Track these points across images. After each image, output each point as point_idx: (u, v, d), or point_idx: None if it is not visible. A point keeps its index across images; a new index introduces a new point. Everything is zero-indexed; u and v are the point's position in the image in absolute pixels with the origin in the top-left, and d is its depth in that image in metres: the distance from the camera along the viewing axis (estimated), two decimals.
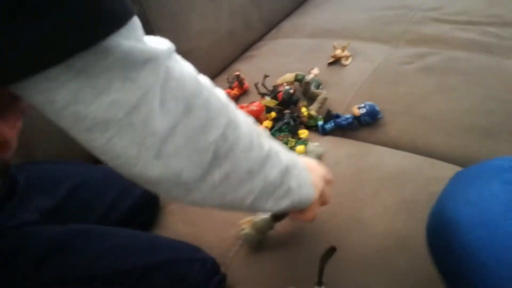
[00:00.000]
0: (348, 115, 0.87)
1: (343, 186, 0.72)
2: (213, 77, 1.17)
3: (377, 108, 0.85)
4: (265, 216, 0.64)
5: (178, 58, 0.38)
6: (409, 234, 0.62)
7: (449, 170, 0.73)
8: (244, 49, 1.29)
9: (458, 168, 0.74)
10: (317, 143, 0.80)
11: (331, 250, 0.54)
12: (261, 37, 1.35)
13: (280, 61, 1.15)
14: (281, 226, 0.67)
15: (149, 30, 1.02)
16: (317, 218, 0.67)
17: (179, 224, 0.73)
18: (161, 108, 0.33)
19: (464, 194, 0.44)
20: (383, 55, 1.08)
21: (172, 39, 1.14)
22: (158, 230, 0.73)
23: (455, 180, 0.48)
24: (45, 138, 0.79)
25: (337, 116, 0.87)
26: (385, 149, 0.81)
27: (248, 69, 1.14)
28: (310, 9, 1.47)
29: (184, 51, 1.11)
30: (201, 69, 1.19)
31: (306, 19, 1.39)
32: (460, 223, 0.42)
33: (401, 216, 0.65)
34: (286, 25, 1.39)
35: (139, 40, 0.32)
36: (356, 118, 0.85)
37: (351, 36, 1.18)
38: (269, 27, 1.38)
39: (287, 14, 1.46)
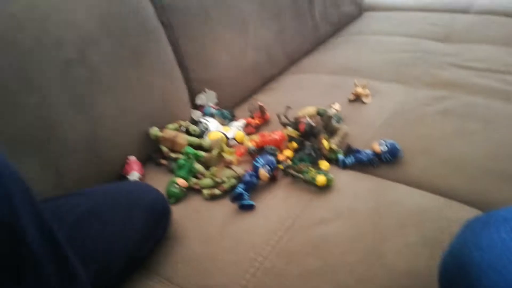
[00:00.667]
0: (368, 151, 0.88)
1: (363, 218, 0.73)
2: (236, 105, 1.20)
3: (398, 147, 0.87)
4: None
5: None
6: (431, 274, 0.62)
7: (468, 213, 0.74)
8: (266, 81, 1.33)
9: (477, 212, 0.75)
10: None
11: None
12: (283, 71, 1.39)
13: (301, 95, 1.18)
14: (299, 254, 0.67)
15: (180, 57, 1.06)
16: (336, 249, 0.68)
17: (196, 242, 0.74)
18: None
19: (476, 240, 0.45)
20: (403, 96, 1.11)
21: (200, 68, 1.19)
22: (174, 249, 0.73)
23: (467, 226, 0.50)
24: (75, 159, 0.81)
25: (358, 151, 0.89)
26: (404, 187, 0.82)
27: (270, 100, 1.17)
28: (331, 48, 1.52)
29: (210, 80, 1.16)
30: (225, 97, 1.24)
31: (326, 56, 1.44)
32: (472, 268, 0.43)
33: (423, 255, 0.65)
34: (307, 61, 1.44)
35: None
36: (376, 154, 0.87)
37: (371, 76, 1.21)
38: (291, 62, 1.43)
39: (308, 51, 1.51)
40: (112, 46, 0.89)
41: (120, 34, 0.90)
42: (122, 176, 0.91)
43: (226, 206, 0.79)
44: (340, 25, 1.67)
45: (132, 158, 0.93)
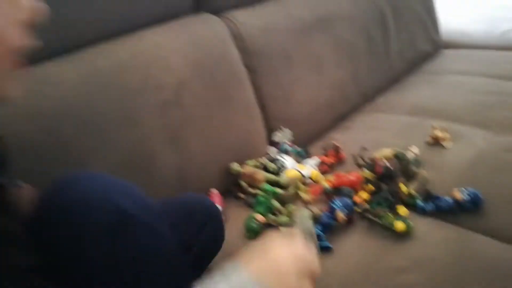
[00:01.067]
0: (448, 198, 0.87)
1: (442, 269, 0.72)
2: (309, 142, 1.24)
3: (480, 196, 0.85)
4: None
5: None
6: None
7: None
8: (340, 119, 1.35)
9: None
10: (306, 212, 0.77)
11: None
12: (357, 109, 1.41)
13: (376, 135, 1.19)
14: None
15: (260, 98, 1.13)
16: None
17: None
18: None
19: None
20: (485, 141, 1.07)
21: (278, 107, 1.25)
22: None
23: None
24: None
25: (437, 198, 0.88)
26: (487, 239, 0.80)
27: (344, 139, 1.19)
28: (406, 87, 1.51)
29: (286, 118, 1.21)
30: (300, 134, 1.28)
31: (402, 96, 1.43)
32: None
33: None
34: (382, 99, 1.44)
35: None
36: (457, 202, 0.86)
37: (450, 118, 1.19)
38: (365, 100, 1.44)
39: (383, 89, 1.51)
40: (203, 88, 0.97)
41: (209, 78, 0.99)
42: None
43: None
44: (416, 63, 1.66)
45: (214, 191, 1.00)
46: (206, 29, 1.05)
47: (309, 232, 0.66)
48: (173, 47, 0.95)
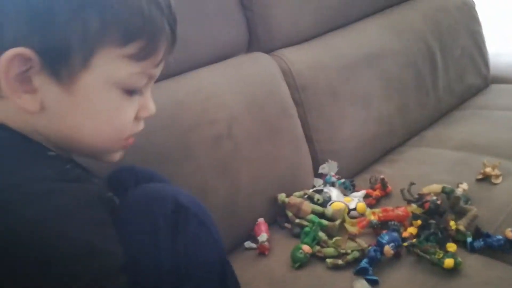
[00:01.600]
0: (499, 236, 0.86)
1: None
2: (355, 175, 1.25)
3: None
4: None
5: None
6: None
7: None
8: (385, 152, 1.36)
9: None
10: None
11: None
12: (403, 143, 1.41)
13: (423, 170, 1.18)
14: None
15: (307, 131, 1.17)
16: None
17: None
18: None
19: None
20: None
21: (325, 140, 1.29)
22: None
23: None
24: None
25: (488, 236, 0.87)
26: None
27: (390, 173, 1.20)
28: (454, 121, 1.49)
29: (333, 151, 1.24)
30: (346, 166, 1.29)
31: (451, 130, 1.42)
32: None
33: None
34: (430, 134, 1.44)
35: None
36: (509, 241, 0.84)
37: (501, 154, 1.17)
38: (411, 134, 1.44)
39: (430, 123, 1.51)
40: (253, 123, 1.03)
41: (259, 112, 1.05)
42: (250, 236, 1.02)
43: (348, 277, 0.83)
44: (465, 98, 1.64)
45: (261, 220, 1.04)
46: (258, 66, 1.11)
47: None
48: (227, 84, 1.02)
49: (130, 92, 0.53)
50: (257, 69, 1.11)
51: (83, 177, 0.53)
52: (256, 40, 1.17)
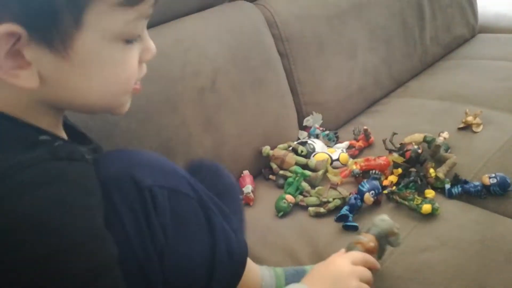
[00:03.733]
0: (476, 183, 0.88)
1: (468, 249, 0.75)
2: (340, 127, 1.26)
3: (509, 181, 0.86)
4: None
5: None
6: None
7: None
8: (371, 104, 1.37)
9: None
10: (385, 216, 0.73)
11: None
12: (388, 94, 1.41)
13: (406, 120, 1.20)
14: (402, 279, 0.71)
15: (292, 83, 1.17)
16: (439, 277, 0.70)
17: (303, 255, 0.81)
18: None
19: None
20: None
21: (310, 92, 1.28)
22: None
23: None
24: None
25: (465, 182, 0.89)
26: None
27: (373, 124, 1.21)
28: (440, 71, 1.50)
29: (317, 103, 1.24)
30: (330, 119, 1.30)
31: (435, 80, 1.42)
32: None
33: None
34: (414, 84, 1.44)
35: None
36: (485, 187, 0.87)
37: (483, 104, 1.18)
38: (397, 84, 1.44)
39: (416, 74, 1.51)
40: (237, 75, 1.02)
41: (244, 64, 1.03)
42: None
43: (330, 224, 0.86)
44: (452, 47, 1.63)
45: (246, 172, 1.05)
46: (242, 16, 1.09)
47: (384, 236, 0.69)
48: (209, 35, 1.00)
49: (131, 40, 0.49)
50: (241, 19, 1.08)
51: (76, 154, 0.48)
52: None
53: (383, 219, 0.71)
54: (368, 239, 0.68)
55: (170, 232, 0.53)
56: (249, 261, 0.68)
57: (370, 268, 0.66)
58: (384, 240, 0.69)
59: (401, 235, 0.80)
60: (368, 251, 0.66)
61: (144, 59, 0.53)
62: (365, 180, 0.89)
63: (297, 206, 0.94)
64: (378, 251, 0.68)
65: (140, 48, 0.52)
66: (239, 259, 0.62)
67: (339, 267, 0.63)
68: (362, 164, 0.99)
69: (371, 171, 0.96)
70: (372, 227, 0.70)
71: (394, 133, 1.05)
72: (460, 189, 0.89)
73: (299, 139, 1.17)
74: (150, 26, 0.93)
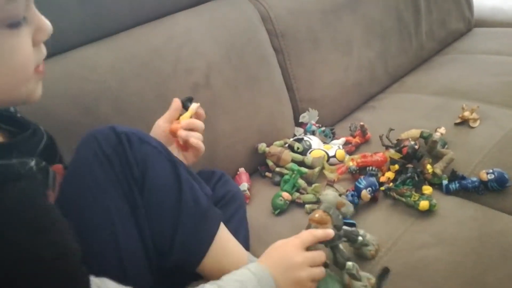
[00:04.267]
0: (474, 178, 0.88)
1: (465, 246, 0.74)
2: (336, 123, 1.25)
3: (507, 176, 0.85)
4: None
5: None
6: None
7: None
8: (367, 100, 1.36)
9: None
10: (329, 191, 0.79)
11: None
12: (384, 89, 1.40)
13: (403, 116, 1.19)
14: (399, 276, 0.70)
15: (287, 79, 1.15)
16: (437, 274, 0.70)
17: None
18: None
19: None
20: None
21: (305, 88, 1.27)
22: None
23: None
24: None
25: (463, 178, 0.89)
26: (510, 218, 0.80)
27: (370, 119, 1.20)
28: (436, 67, 1.49)
29: (313, 99, 1.23)
30: (326, 115, 1.28)
31: (431, 76, 1.41)
32: None
33: None
34: (410, 80, 1.43)
35: None
36: (483, 182, 0.86)
37: (480, 99, 1.17)
38: (393, 80, 1.43)
39: (412, 69, 1.50)
40: (232, 71, 1.00)
41: (238, 60, 1.02)
42: None
43: None
44: (447, 42, 1.62)
45: (242, 170, 1.04)
46: (235, 11, 1.07)
47: (333, 209, 0.69)
48: (202, 31, 0.98)
49: (15, 24, 0.44)
50: (235, 15, 1.07)
51: (10, 171, 0.47)
52: None
53: (327, 193, 0.75)
54: (314, 213, 0.69)
55: (141, 167, 0.60)
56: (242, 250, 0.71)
57: (323, 241, 0.67)
58: (336, 212, 0.70)
59: (398, 230, 0.80)
60: (320, 223, 0.67)
61: (40, 39, 0.49)
62: (362, 177, 0.88)
63: (293, 203, 0.93)
64: (334, 221, 0.69)
65: (31, 30, 0.47)
66: (204, 212, 0.64)
67: (290, 259, 0.64)
68: (359, 160, 0.98)
69: (368, 168, 0.95)
70: (320, 204, 0.72)
71: (391, 129, 1.04)
72: (457, 185, 0.88)
73: (295, 135, 1.16)
74: (141, 22, 0.93)
